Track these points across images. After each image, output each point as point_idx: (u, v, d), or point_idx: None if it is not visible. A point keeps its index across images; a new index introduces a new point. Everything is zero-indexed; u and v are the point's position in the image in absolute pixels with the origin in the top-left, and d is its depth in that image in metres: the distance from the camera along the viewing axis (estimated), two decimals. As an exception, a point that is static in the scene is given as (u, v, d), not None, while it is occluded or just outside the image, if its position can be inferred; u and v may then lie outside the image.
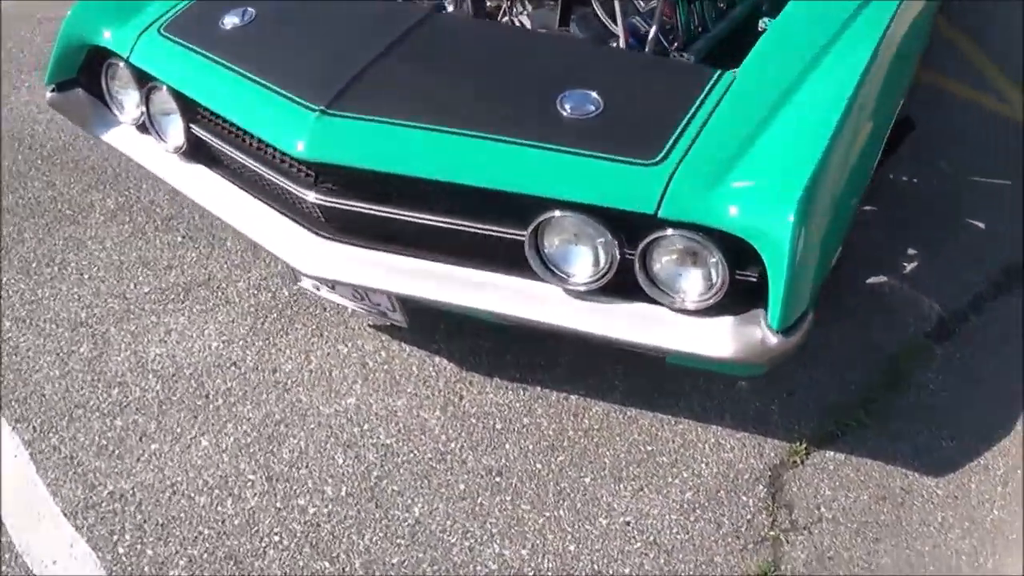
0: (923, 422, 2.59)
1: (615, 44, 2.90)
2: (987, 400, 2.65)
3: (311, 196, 2.37)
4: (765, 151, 2.15)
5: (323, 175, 2.34)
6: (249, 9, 2.69)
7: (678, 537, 2.31)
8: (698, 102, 2.27)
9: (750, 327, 2.13)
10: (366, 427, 2.53)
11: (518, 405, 2.61)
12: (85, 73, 2.90)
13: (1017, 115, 3.73)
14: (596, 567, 2.26)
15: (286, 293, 2.98)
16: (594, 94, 2.26)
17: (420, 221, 2.34)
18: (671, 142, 2.17)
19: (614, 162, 2.13)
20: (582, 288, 2.22)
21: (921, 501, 2.42)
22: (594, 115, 2.23)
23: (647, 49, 2.82)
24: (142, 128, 2.86)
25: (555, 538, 2.29)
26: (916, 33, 2.80)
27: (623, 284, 2.23)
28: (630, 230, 2.16)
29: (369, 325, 2.84)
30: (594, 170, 2.14)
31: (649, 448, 2.51)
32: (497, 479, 2.41)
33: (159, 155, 2.81)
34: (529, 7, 3.16)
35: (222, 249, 3.16)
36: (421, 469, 2.42)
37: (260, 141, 2.46)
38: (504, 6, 3.08)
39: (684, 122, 2.22)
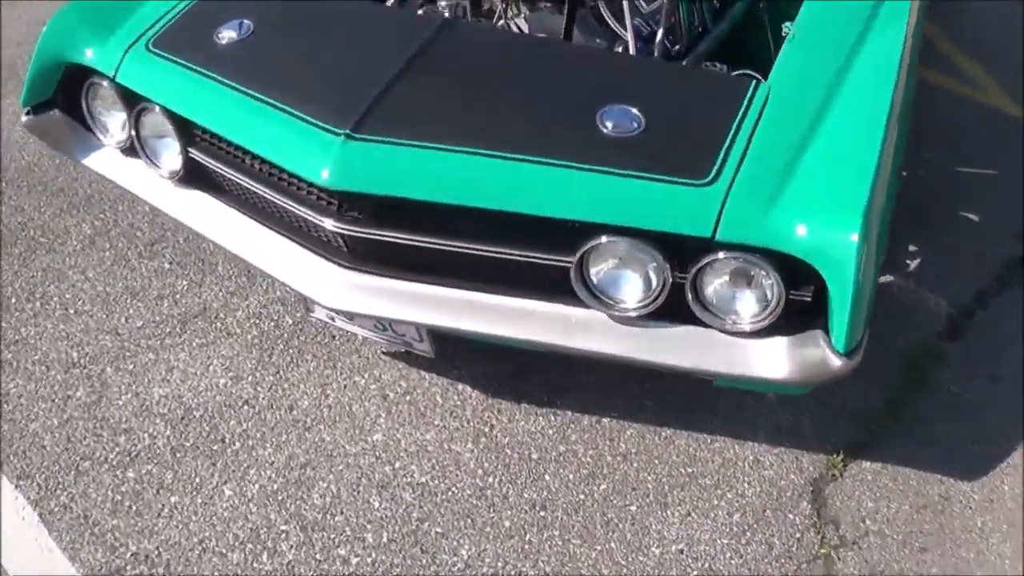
0: (948, 425, 2.60)
1: (621, 48, 2.82)
2: (1006, 398, 2.67)
3: (334, 225, 2.23)
4: (816, 165, 2.10)
5: (348, 203, 2.21)
6: (245, 22, 2.52)
7: (732, 562, 2.27)
8: (740, 115, 2.21)
9: (811, 348, 2.09)
10: (397, 465, 2.41)
11: (551, 432, 2.53)
12: (63, 93, 2.68)
13: (989, 99, 3.79)
14: (654, 600, 2.20)
15: (289, 321, 2.84)
16: (635, 110, 2.17)
17: (454, 249, 2.22)
18: (720, 160, 2.10)
19: (666, 183, 2.05)
20: (632, 314, 2.14)
21: (960, 507, 2.42)
22: (637, 132, 2.14)
23: (655, 52, 2.75)
24: (129, 152, 2.67)
25: (610, 572, 2.23)
26: (920, 30, 2.80)
27: (669, 307, 2.16)
28: (682, 253, 2.09)
29: (383, 353, 2.72)
30: (646, 193, 2.05)
31: (690, 470, 2.46)
32: (542, 513, 2.32)
33: (150, 181, 2.63)
34: (525, 10, 3.05)
35: (214, 275, 2.99)
36: (462, 508, 2.32)
37: (272, 166, 2.31)
38: (498, 9, 2.97)
39: (730, 138, 2.15)
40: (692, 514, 2.37)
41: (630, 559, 2.26)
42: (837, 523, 2.38)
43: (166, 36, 2.55)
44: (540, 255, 2.16)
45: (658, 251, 2.07)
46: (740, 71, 2.61)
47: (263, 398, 2.58)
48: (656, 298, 2.12)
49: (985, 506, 2.42)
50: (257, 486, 2.35)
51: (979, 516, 2.40)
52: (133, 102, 2.54)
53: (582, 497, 2.38)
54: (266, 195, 2.37)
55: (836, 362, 2.02)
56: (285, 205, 2.34)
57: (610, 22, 2.91)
